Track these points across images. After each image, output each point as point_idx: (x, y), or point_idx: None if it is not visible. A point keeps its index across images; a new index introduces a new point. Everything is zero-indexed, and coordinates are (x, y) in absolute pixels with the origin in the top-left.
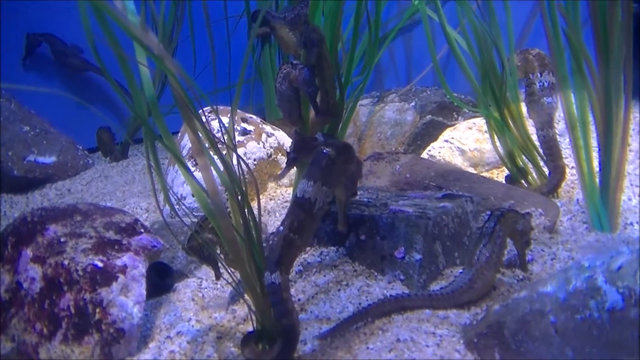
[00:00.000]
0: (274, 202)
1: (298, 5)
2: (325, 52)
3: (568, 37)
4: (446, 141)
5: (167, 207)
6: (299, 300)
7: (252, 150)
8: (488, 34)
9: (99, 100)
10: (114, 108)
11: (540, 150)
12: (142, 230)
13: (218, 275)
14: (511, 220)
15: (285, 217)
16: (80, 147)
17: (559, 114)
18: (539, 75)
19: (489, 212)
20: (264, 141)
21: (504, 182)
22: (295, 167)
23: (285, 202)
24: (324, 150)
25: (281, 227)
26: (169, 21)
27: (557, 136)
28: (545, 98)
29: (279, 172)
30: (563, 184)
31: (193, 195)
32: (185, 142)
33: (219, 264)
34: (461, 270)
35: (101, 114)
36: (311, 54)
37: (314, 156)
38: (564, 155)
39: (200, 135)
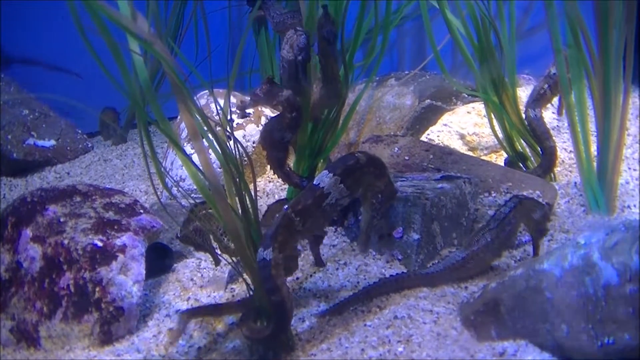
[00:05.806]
0: (273, 184)
1: (289, 13)
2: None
3: (566, 12)
4: (445, 125)
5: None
6: (297, 278)
7: (251, 132)
8: (486, 16)
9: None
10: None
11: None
12: (141, 210)
13: (217, 262)
14: (528, 208)
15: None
16: (80, 131)
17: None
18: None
19: (509, 197)
20: (263, 124)
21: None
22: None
23: (284, 184)
24: (356, 154)
25: (286, 207)
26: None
27: (542, 117)
28: (538, 84)
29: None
30: (557, 165)
31: None
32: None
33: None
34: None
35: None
36: (332, 49)
37: (344, 155)
38: (562, 140)
39: (198, 117)
